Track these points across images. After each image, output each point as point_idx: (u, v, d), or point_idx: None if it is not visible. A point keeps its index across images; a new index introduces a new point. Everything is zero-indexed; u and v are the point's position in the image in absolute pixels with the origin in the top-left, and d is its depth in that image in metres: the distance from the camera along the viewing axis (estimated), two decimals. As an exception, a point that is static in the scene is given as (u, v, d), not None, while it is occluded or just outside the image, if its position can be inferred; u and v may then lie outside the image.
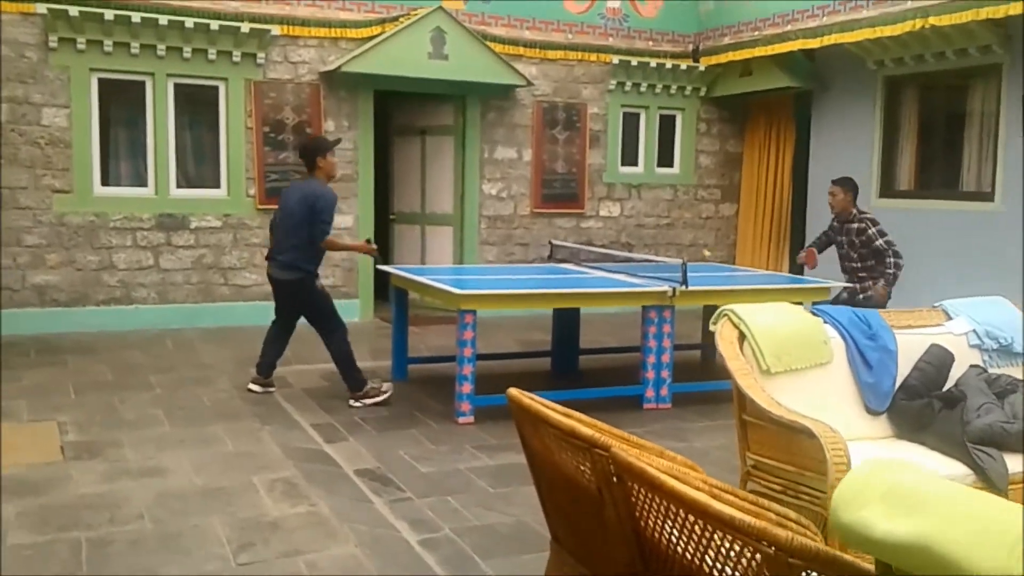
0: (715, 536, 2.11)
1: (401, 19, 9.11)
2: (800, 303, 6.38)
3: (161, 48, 8.42)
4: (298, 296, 6.27)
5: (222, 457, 5.00)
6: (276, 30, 8.78)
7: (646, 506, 2.39)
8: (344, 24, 9.11)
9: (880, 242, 6.77)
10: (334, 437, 5.56)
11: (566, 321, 7.55)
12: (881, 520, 1.78)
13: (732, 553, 2.05)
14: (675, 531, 2.28)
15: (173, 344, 8.13)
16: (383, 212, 10.20)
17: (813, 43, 9.14)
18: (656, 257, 8.75)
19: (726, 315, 3.99)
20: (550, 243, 8.49)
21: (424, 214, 10.28)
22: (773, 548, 1.91)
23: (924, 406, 3.92)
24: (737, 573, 2.06)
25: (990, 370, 4.28)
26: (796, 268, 10.40)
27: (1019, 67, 7.90)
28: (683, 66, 10.56)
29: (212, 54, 8.61)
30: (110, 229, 8.60)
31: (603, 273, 7.28)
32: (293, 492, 4.49)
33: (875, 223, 6.86)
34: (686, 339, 7.90)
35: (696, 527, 2.16)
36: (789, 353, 3.88)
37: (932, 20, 7.88)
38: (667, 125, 10.91)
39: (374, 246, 6.70)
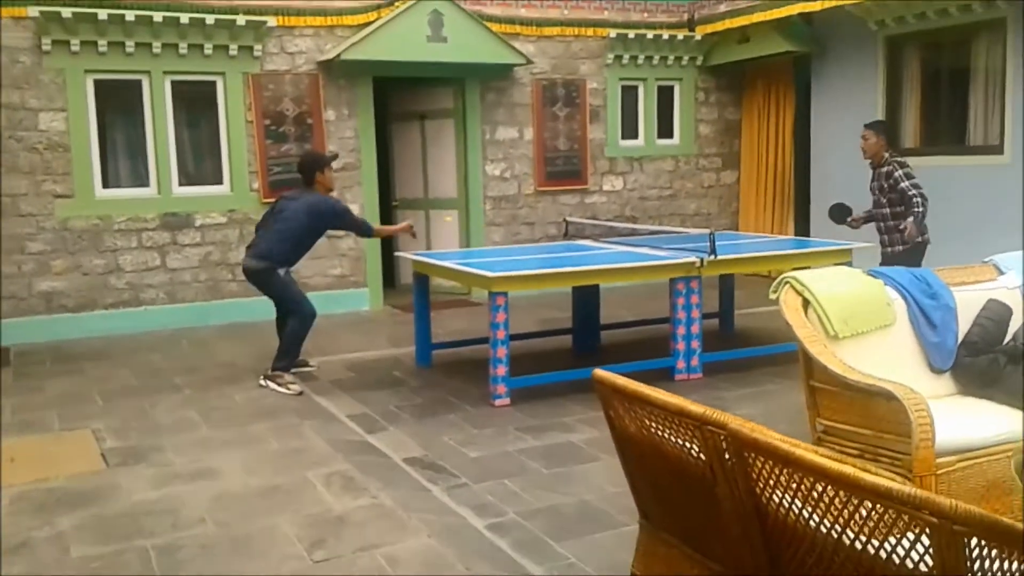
0: (860, 508, 2.07)
1: (397, 3, 8.97)
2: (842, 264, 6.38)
3: (156, 46, 8.25)
4: (262, 285, 6.49)
5: (270, 455, 4.92)
6: (272, 21, 8.62)
7: (771, 481, 2.35)
8: (340, 12, 8.96)
9: (905, 183, 6.56)
10: (374, 427, 5.50)
11: (586, 298, 7.50)
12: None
13: (882, 524, 2.01)
14: (808, 505, 2.24)
15: (189, 344, 8.01)
16: (385, 199, 10.08)
17: (814, 6, 9.09)
18: (673, 228, 8.72)
19: (788, 282, 3.95)
20: (564, 220, 8.42)
21: (427, 199, 10.19)
22: (936, 517, 1.88)
23: (990, 362, 3.91)
24: (888, 544, 2.02)
25: (1046, 323, 4.28)
26: (802, 232, 10.42)
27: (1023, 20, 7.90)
28: (680, 36, 10.49)
29: (208, 49, 8.44)
30: (114, 231, 8.45)
31: (624, 247, 7.23)
32: (351, 485, 4.43)
33: (903, 165, 6.65)
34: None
35: (836, 500, 2.12)
36: (855, 317, 3.85)
37: (936, -24, 7.85)
38: (665, 96, 10.85)
39: (411, 224, 7.27)
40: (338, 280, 9.43)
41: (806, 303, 3.90)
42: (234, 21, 8.39)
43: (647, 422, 2.84)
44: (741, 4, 10.03)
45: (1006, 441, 3.51)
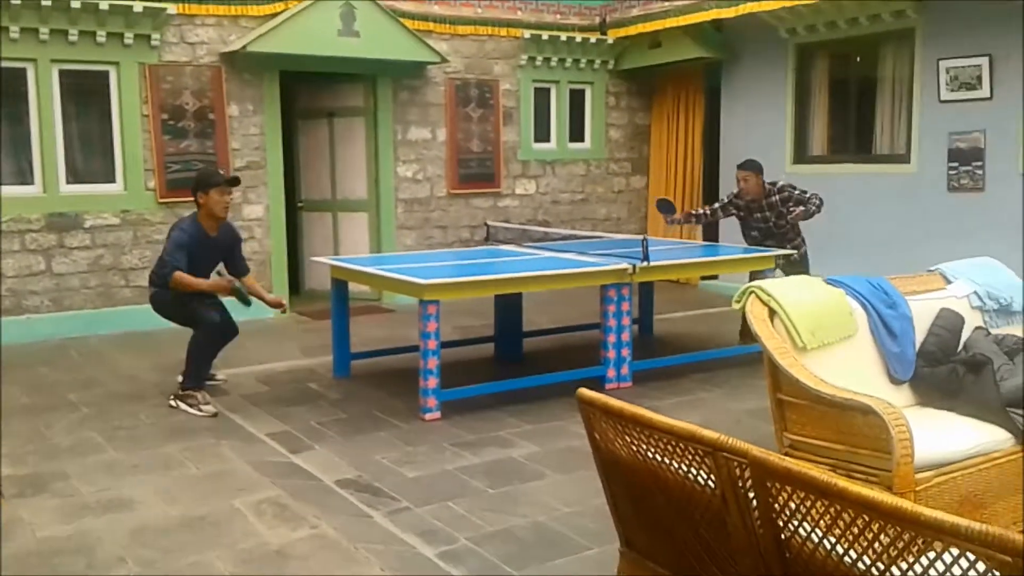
0: (912, 546, 1.91)
1: (307, -6, 8.55)
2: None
3: (44, 31, 7.59)
4: (161, 309, 6.02)
5: (189, 481, 4.50)
6: (172, 8, 8.07)
7: (800, 513, 2.17)
8: (245, 1, 8.47)
9: (805, 194, 7.02)
10: (299, 447, 5.12)
11: (509, 305, 7.28)
12: None
13: (940, 563, 1.86)
14: (846, 541, 2.07)
15: (80, 355, 7.39)
16: (290, 201, 9.61)
17: (728, 12, 9.14)
18: (596, 233, 8.61)
19: (753, 292, 3.83)
20: (486, 224, 8.18)
21: (335, 200, 9.77)
22: (1010, 556, 1.73)
23: (950, 372, 3.88)
24: (946, 582, 1.87)
25: (991, 331, 4.30)
26: (710, 237, 10.48)
27: (931, 30, 8.11)
28: (592, 39, 10.40)
29: (101, 36, 7.83)
30: (-6, 233, 7.74)
31: (550, 253, 7.04)
32: (285, 514, 4.07)
33: (794, 187, 7.12)
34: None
35: (883, 536, 1.96)
36: (821, 328, 3.75)
37: (849, -14, 7.98)
38: (577, 99, 10.76)
39: (237, 284, 5.91)
40: (241, 286, 8.89)
41: (772, 313, 3.77)
42: (130, 7, 7.81)
43: (643, 447, 2.63)
44: (654, 8, 10.02)
45: (978, 454, 3.47)
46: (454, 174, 9.87)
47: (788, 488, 2.18)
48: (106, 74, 8.05)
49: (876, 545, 2.00)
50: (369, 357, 6.95)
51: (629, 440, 2.68)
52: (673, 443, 2.49)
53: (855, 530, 2.03)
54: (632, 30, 10.32)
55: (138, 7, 7.83)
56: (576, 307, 8.93)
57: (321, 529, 3.88)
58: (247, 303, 5.81)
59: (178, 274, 5.69)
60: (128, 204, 8.23)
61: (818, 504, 2.12)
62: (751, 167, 7.17)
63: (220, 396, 6.12)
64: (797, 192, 7.01)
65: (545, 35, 10.06)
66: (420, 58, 9.08)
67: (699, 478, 2.46)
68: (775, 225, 7.15)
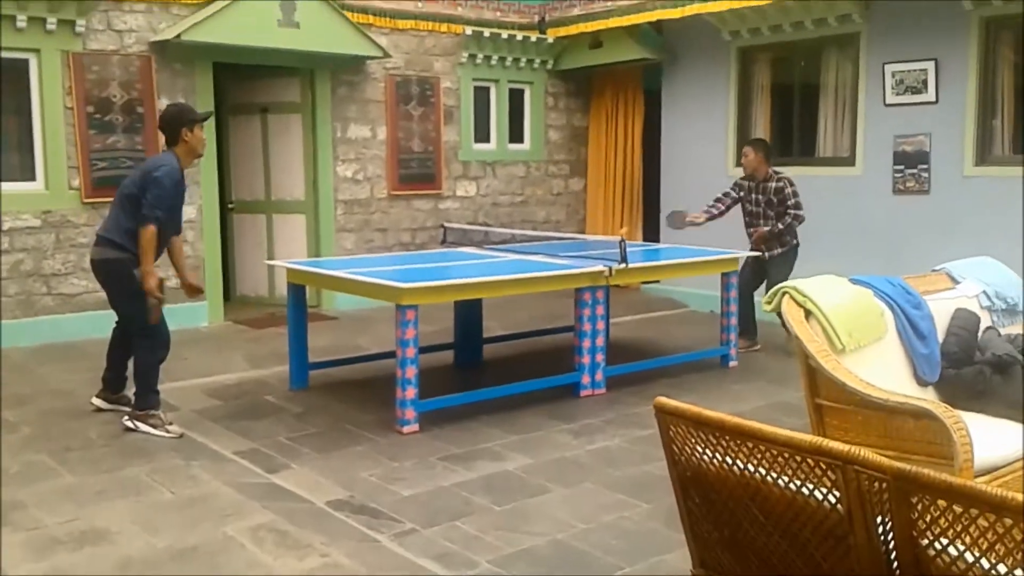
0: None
1: (243, -18, 8.07)
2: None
3: (-44, 13, 6.94)
4: (109, 281, 5.25)
5: (167, 507, 4.08)
6: (99, -8, 7.50)
7: (953, 530, 2.01)
8: (177, -13, 7.95)
9: (792, 201, 7.19)
10: (274, 466, 4.74)
11: (469, 310, 7.02)
12: None
13: None
14: (1013, 558, 1.91)
15: (3, 370, 6.75)
16: (220, 201, 9.08)
17: (673, 13, 9.08)
18: (563, 234, 8.44)
19: (787, 293, 3.68)
20: (443, 226, 7.89)
21: (270, 201, 9.29)
22: None
23: (976, 373, 3.83)
24: None
25: (1001, 331, 4.28)
26: (651, 239, 10.43)
27: (877, 35, 8.22)
28: (532, 38, 10.22)
29: (21, 21, 7.18)
30: None
31: (516, 255, 6.81)
32: (287, 541, 3.71)
33: (792, 183, 7.17)
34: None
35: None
36: (858, 329, 3.64)
37: (798, -11, 8.02)
38: (516, 99, 10.55)
39: (161, 295, 5.16)
40: (171, 292, 8.31)
41: (807, 314, 3.64)
42: (53, -10, 7.22)
43: (740, 461, 2.43)
44: (596, 8, 9.91)
45: (1022, 457, 3.41)
46: (395, 174, 9.52)
47: (940, 503, 2.02)
48: (26, 62, 7.40)
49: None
50: (326, 367, 6.58)
51: (723, 453, 2.48)
52: (786, 456, 2.30)
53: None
54: (573, 29, 10.18)
55: (62, -10, 7.24)
56: (527, 311, 8.74)
57: (333, 557, 3.55)
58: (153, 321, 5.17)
59: (152, 230, 4.95)
60: (50, 204, 7.59)
61: (980, 520, 1.96)
62: (753, 143, 7.45)
63: (169, 412, 5.63)
64: (789, 191, 7.10)
65: (486, 32, 9.82)
66: (362, 52, 8.72)
67: (816, 493, 2.28)
68: (760, 213, 7.30)
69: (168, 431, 5.18)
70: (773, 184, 7.16)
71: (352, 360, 6.71)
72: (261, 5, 7.96)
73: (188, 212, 8.21)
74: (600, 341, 6.15)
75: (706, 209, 7.56)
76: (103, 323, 7.48)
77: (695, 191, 9.15)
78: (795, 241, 7.35)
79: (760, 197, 7.27)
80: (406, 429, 5.28)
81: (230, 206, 9.34)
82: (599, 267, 6.01)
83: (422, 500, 4.27)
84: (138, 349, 5.29)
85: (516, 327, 8.03)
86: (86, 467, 4.59)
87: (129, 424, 5.23)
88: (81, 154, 7.65)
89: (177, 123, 5.26)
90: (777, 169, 7.35)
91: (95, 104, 7.66)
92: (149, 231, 5.00)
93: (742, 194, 7.47)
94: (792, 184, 7.16)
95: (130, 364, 5.45)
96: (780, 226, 7.19)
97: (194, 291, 5.68)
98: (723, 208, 7.51)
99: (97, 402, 5.63)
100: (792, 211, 7.18)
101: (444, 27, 9.68)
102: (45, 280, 7.62)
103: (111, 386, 5.62)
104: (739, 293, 6.98)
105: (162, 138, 5.46)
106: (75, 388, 6.15)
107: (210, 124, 8.24)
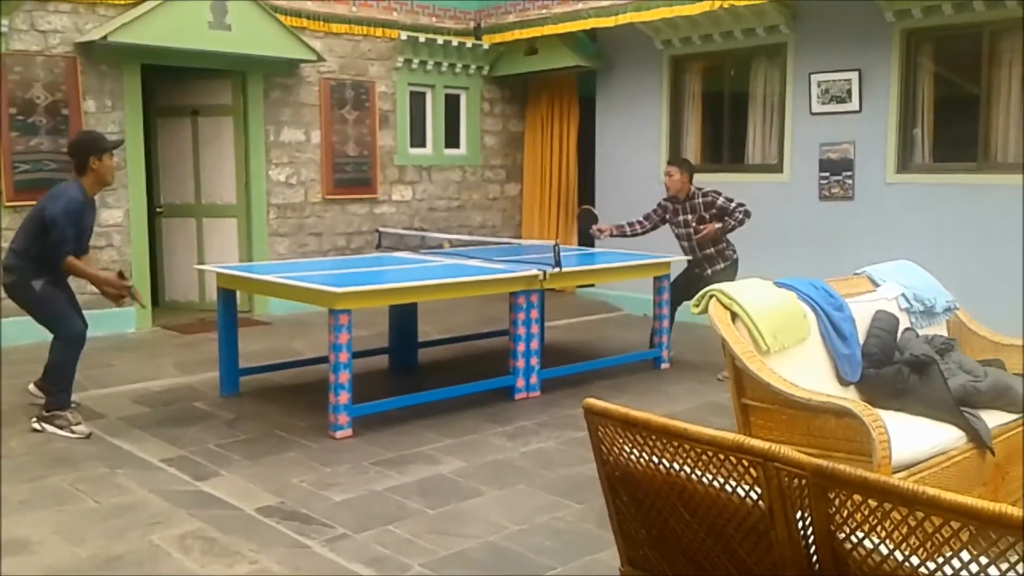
0: (1012, 552, 1.85)
1: (173, -17, 7.93)
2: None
3: None
4: (17, 299, 5.39)
5: (91, 516, 3.98)
6: (21, -9, 7.29)
7: (868, 524, 2.08)
8: (103, -13, 7.78)
9: (734, 204, 6.86)
10: (203, 473, 4.67)
11: (404, 315, 7.00)
12: None
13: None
14: (925, 550, 1.98)
15: (-84, 378, 6.52)
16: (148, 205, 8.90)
17: (607, 22, 9.18)
18: (500, 240, 8.46)
19: (714, 295, 3.76)
20: (378, 231, 7.85)
21: (200, 205, 9.13)
22: None
23: (896, 373, 3.94)
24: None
25: (919, 332, 4.43)
26: (586, 244, 10.53)
27: (804, 45, 8.44)
28: (468, 44, 10.24)
29: (-61, 18, 6.99)
30: None
31: (452, 259, 6.82)
32: (215, 548, 3.66)
33: (719, 193, 6.97)
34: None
35: (979, 542, 1.89)
36: (782, 331, 3.73)
37: (727, 0, 8.17)
38: (452, 105, 10.56)
39: (129, 282, 5.44)
40: (98, 298, 8.07)
41: (733, 316, 3.72)
42: (-27, -12, 7.01)
43: (667, 460, 2.47)
44: (531, 15, 9.97)
45: (938, 453, 3.53)
46: (329, 179, 9.44)
47: (856, 498, 2.08)
48: (-57, 62, 7.19)
49: (964, 555, 1.93)
50: (258, 373, 6.50)
51: (650, 453, 2.52)
52: (710, 454, 2.35)
53: (939, 539, 1.95)
54: (508, 36, 10.23)
55: (-17, -12, 7.04)
56: (462, 315, 8.74)
57: (263, 564, 3.51)
58: (143, 304, 5.53)
59: (71, 260, 5.16)
60: (-31, 207, 7.37)
61: (893, 514, 2.03)
62: (677, 163, 7.10)
63: (94, 419, 5.54)
64: (721, 199, 6.86)
65: (421, 37, 9.81)
66: (295, 55, 8.64)
67: (738, 491, 2.33)
68: (695, 230, 6.94)
69: (74, 431, 5.15)
70: (700, 200, 6.92)
71: (285, 365, 6.64)
72: (191, 7, 7.83)
73: (115, 216, 8.12)
74: (535, 344, 6.20)
75: (619, 225, 7.28)
76: (28, 330, 7.32)
77: (629, 196, 9.29)
78: (736, 256, 7.08)
79: (689, 217, 6.99)
80: (339, 434, 5.25)
81: (159, 210, 9.15)
82: (534, 271, 6.05)
83: (355, 505, 4.24)
84: (52, 350, 5.32)
85: (451, 331, 8.03)
86: (8, 476, 4.45)
87: (36, 426, 5.20)
88: (3, 156, 7.43)
89: (86, 152, 5.27)
90: (697, 186, 7.11)
91: (18, 106, 7.45)
92: (68, 263, 5.19)
93: (668, 216, 7.15)
94: (715, 192, 6.96)
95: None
96: (732, 222, 6.83)
97: (122, 288, 5.50)
98: (640, 229, 7.22)
99: (33, 388, 5.63)
100: (738, 210, 6.83)
101: (379, 31, 9.64)
102: (-36, 286, 7.37)
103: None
104: (671, 304, 7.03)
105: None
106: (-4, 396, 5.97)
107: (137, 126, 8.16)
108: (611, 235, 7.27)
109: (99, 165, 5.25)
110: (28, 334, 7.18)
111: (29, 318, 5.84)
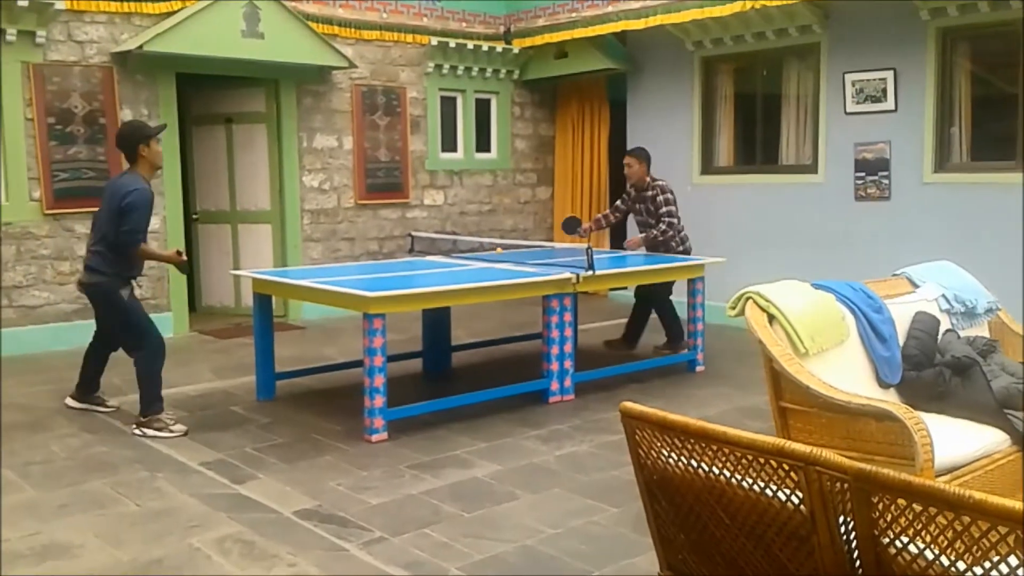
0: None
1: (207, -8, 8.04)
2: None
3: (-88, 22, 6.84)
4: (100, 303, 5.55)
5: (131, 520, 4.03)
6: (60, 3, 7.39)
7: (913, 528, 2.05)
8: (139, -3, 7.89)
9: (664, 209, 7.15)
10: (240, 476, 4.71)
11: (437, 318, 7.02)
12: None
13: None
14: (971, 555, 1.95)
15: (-41, 384, 6.64)
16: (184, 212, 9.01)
17: (637, 24, 9.16)
18: (530, 242, 8.47)
19: (750, 298, 3.73)
20: (410, 235, 7.88)
21: (235, 212, 9.23)
22: None
23: (936, 375, 3.89)
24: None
25: (960, 333, 4.36)
26: (618, 246, 10.49)
27: (837, 45, 8.36)
28: (498, 48, 10.26)
29: (-20, 31, 7.12)
30: None
31: (483, 264, 6.82)
32: (253, 551, 3.68)
33: (664, 191, 7.19)
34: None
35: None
36: (820, 333, 3.69)
37: (759, 1, 8.11)
38: (483, 109, 10.59)
39: (184, 257, 5.76)
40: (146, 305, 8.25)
41: (771, 319, 3.68)
42: (14, 1, 7.12)
43: (706, 463, 2.45)
44: (560, 19, 9.97)
45: (982, 456, 3.47)
46: (361, 184, 9.50)
47: (900, 502, 2.06)
48: (-16, 73, 7.33)
49: (1012, 559, 1.89)
50: (293, 377, 6.55)
51: (688, 457, 2.50)
52: (750, 458, 2.32)
53: (986, 544, 1.92)
54: (538, 40, 10.23)
55: (22, 1, 7.14)
56: (495, 319, 8.75)
57: (301, 567, 3.53)
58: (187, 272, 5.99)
59: (144, 246, 5.44)
60: (10, 216, 7.49)
61: (939, 519, 2.00)
62: (634, 152, 7.41)
63: (132, 423, 5.59)
64: (660, 199, 7.14)
65: (452, 42, 9.85)
66: (327, 62, 8.71)
67: (779, 495, 2.31)
68: (644, 222, 7.37)
69: (173, 431, 5.36)
70: (649, 193, 7.19)
71: (319, 370, 6.68)
72: (224, 16, 7.92)
73: (152, 223, 8.12)
74: (568, 348, 6.18)
75: (596, 219, 7.85)
76: (65, 335, 7.47)
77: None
78: (680, 249, 7.29)
79: (642, 207, 7.31)
80: (374, 438, 5.27)
81: (194, 217, 9.26)
82: (566, 274, 6.04)
83: (391, 508, 4.25)
84: (138, 361, 5.49)
85: (484, 335, 8.04)
86: (48, 481, 4.52)
87: (136, 432, 5.37)
88: (42, 165, 7.56)
89: (133, 140, 5.42)
90: (655, 177, 7.30)
91: (56, 115, 7.58)
92: (142, 249, 5.42)
93: (630, 204, 7.49)
94: (665, 192, 7.15)
95: (104, 369, 5.85)
96: (655, 232, 7.16)
97: (181, 260, 5.73)
98: (611, 220, 7.75)
99: (71, 402, 5.86)
100: (665, 218, 7.11)
101: (409, 37, 9.69)
102: (6, 292, 7.51)
103: (85, 386, 5.84)
104: (640, 300, 7.45)
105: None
106: (35, 402, 6.07)
107: (173, 134, 8.26)
108: (592, 230, 7.75)
109: (148, 151, 5.42)
110: (62, 340, 7.33)
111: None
